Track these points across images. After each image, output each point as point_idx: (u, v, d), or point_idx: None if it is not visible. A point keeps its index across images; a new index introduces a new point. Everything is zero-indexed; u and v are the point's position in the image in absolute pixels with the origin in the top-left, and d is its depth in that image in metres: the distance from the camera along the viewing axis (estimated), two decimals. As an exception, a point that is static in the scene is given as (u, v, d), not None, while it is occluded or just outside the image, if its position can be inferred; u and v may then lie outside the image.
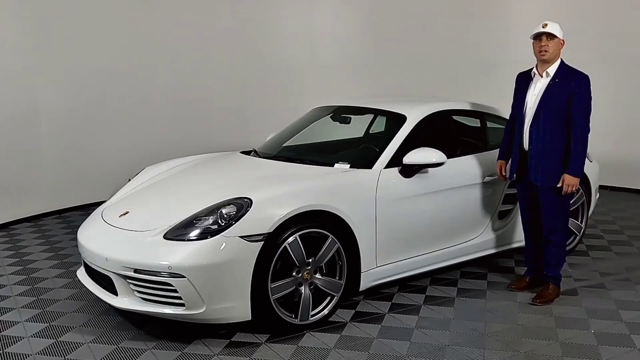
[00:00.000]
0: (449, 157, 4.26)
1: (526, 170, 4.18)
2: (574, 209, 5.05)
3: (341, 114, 5.04)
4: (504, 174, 4.46)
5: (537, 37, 4.07)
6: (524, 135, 4.17)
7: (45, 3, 6.68)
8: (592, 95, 4.04)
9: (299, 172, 4.23)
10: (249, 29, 8.37)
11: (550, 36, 4.02)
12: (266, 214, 3.58)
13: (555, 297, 4.20)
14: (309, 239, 3.71)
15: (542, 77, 4.11)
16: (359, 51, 8.66)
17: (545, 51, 4.03)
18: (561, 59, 4.11)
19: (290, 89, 8.59)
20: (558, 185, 4.05)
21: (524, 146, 4.19)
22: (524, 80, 4.26)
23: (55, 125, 6.86)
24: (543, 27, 4.04)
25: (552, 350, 3.47)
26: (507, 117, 4.50)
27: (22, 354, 3.53)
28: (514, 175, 4.31)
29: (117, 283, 3.63)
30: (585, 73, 4.05)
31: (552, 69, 4.08)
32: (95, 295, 3.86)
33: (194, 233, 3.53)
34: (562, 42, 4.07)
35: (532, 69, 4.21)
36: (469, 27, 8.28)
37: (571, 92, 3.98)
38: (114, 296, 3.69)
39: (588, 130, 4.02)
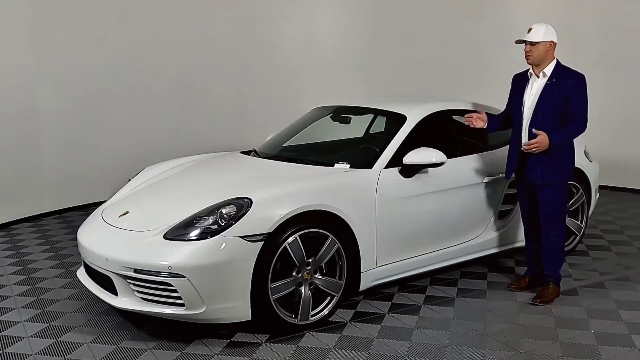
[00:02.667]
0: (449, 157, 4.26)
1: (525, 170, 4.19)
2: (574, 209, 5.06)
3: (341, 114, 5.03)
4: (472, 118, 4.32)
5: (521, 42, 4.11)
6: (523, 135, 4.17)
7: (46, 2, 6.68)
8: (591, 94, 4.06)
9: (299, 172, 4.23)
10: (249, 29, 8.37)
11: (532, 42, 4.03)
12: (266, 214, 3.58)
13: (555, 297, 4.20)
14: (309, 239, 3.71)
15: (538, 77, 4.12)
16: (359, 51, 8.65)
17: (529, 56, 4.08)
18: (557, 59, 4.12)
19: (290, 89, 8.59)
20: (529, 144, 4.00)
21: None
22: (520, 81, 4.27)
23: (55, 125, 6.85)
24: (527, 32, 4.07)
25: (552, 350, 3.47)
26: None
27: (22, 354, 3.53)
28: (513, 174, 4.32)
29: (117, 283, 3.63)
30: (581, 72, 4.07)
31: (549, 69, 4.09)
32: (95, 295, 3.86)
33: (194, 233, 3.53)
34: (550, 43, 4.05)
35: (528, 69, 4.23)
36: (469, 27, 8.27)
37: (568, 91, 4.01)
38: (114, 296, 3.69)
39: (585, 127, 4.06)
